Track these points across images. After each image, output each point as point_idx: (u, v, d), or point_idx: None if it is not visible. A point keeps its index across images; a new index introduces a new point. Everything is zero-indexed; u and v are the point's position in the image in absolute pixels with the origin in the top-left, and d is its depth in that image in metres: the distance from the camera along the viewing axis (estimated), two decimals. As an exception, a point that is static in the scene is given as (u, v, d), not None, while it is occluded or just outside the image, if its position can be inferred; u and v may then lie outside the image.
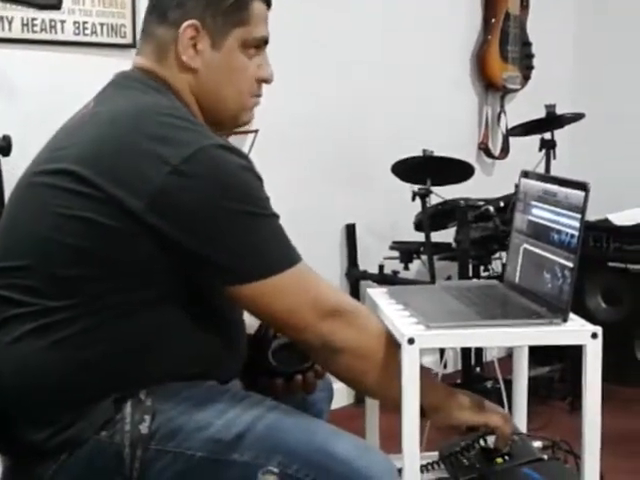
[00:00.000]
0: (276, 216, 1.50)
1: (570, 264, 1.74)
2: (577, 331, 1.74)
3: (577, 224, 1.74)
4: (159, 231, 1.39)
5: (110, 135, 1.44)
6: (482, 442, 1.89)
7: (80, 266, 1.41)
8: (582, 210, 1.73)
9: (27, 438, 1.45)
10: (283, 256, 1.48)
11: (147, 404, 1.44)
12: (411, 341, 1.68)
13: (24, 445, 1.46)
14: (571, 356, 3.17)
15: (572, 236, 1.75)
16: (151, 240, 1.40)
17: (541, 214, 1.90)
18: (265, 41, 1.62)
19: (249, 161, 1.49)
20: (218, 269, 1.43)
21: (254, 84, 1.61)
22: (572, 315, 1.79)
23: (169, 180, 1.38)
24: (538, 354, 3.46)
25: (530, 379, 2.30)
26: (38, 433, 1.44)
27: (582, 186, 1.74)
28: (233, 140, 2.74)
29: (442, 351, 3.43)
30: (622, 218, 3.68)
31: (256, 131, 2.81)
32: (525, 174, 2.02)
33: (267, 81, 1.64)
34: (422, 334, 1.70)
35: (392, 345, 1.59)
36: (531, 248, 1.92)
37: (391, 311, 1.90)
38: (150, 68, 1.56)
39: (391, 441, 1.97)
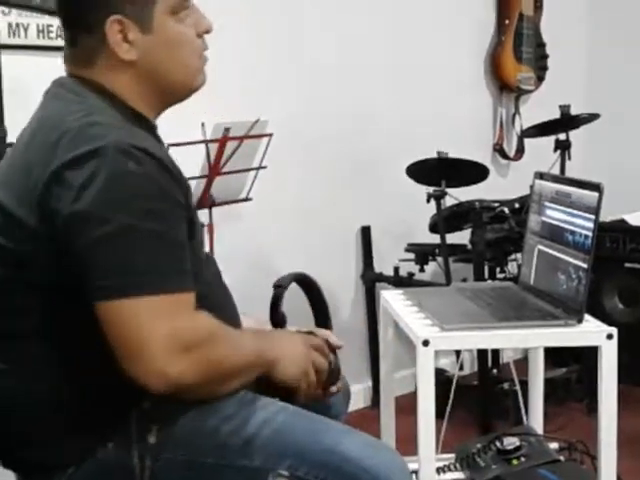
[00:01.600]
0: (158, 232, 1.35)
1: (585, 265, 1.74)
2: (592, 332, 1.74)
3: (591, 225, 1.74)
4: (48, 239, 1.36)
5: (20, 157, 1.44)
6: (498, 443, 1.89)
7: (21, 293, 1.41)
8: (596, 211, 1.73)
9: (33, 455, 1.45)
10: (146, 278, 1.33)
11: (152, 413, 1.42)
12: (426, 343, 1.69)
13: (30, 462, 1.46)
14: (588, 357, 3.16)
15: (586, 237, 1.75)
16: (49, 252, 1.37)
17: (555, 215, 1.91)
18: None
19: (154, 164, 1.37)
20: (85, 280, 1.34)
21: (197, 43, 1.54)
22: (587, 316, 1.79)
23: (48, 186, 1.35)
24: (555, 355, 3.45)
25: (547, 381, 2.30)
26: (43, 450, 1.44)
27: (596, 187, 1.75)
28: (247, 145, 2.78)
29: (458, 353, 3.43)
30: (638, 218, 3.66)
31: (270, 135, 2.82)
32: (539, 175, 2.03)
33: (207, 32, 1.56)
34: (437, 336, 1.71)
35: (242, 351, 1.46)
36: (546, 249, 1.92)
37: (406, 313, 1.91)
38: (80, 74, 1.50)
39: (407, 443, 1.97)
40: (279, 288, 1.82)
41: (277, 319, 1.76)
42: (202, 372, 1.36)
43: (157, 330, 1.32)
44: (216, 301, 1.54)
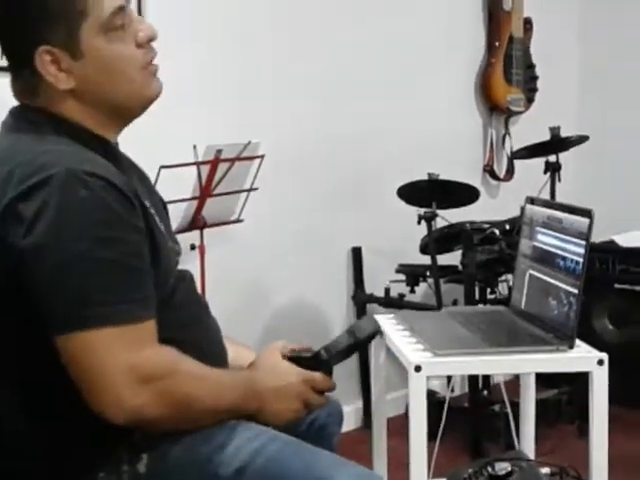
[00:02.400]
0: (113, 260, 1.33)
1: (576, 290, 1.75)
2: (583, 358, 1.75)
3: (582, 250, 1.75)
4: (7, 273, 1.34)
5: None
6: (490, 469, 1.89)
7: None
8: (587, 237, 1.74)
9: None
10: (101, 310, 1.31)
11: (143, 442, 1.41)
12: (418, 369, 1.69)
13: None
14: (579, 379, 3.16)
15: (577, 262, 1.76)
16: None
17: (547, 240, 1.92)
18: (121, 8, 1.44)
19: (107, 189, 1.34)
20: (42, 314, 1.33)
21: (138, 56, 1.47)
22: (578, 341, 1.80)
23: (2, 221, 1.34)
24: (546, 377, 3.45)
25: (538, 402, 2.30)
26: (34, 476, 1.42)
27: (587, 213, 1.76)
28: (239, 166, 2.78)
29: (449, 375, 3.42)
30: (628, 239, 3.68)
31: (262, 157, 2.83)
32: (531, 200, 2.04)
33: (151, 39, 1.49)
34: (429, 361, 1.72)
35: (212, 385, 1.44)
36: (537, 274, 1.93)
37: (398, 337, 1.91)
38: (28, 104, 1.47)
39: (399, 466, 1.97)
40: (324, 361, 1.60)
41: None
42: (165, 406, 1.36)
43: (114, 362, 1.32)
44: (191, 325, 1.52)
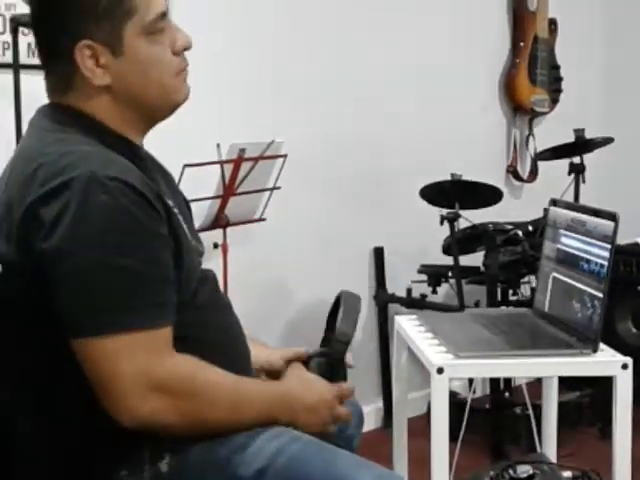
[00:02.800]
0: (130, 267, 1.34)
1: (600, 294, 1.74)
2: (607, 362, 1.74)
3: (607, 254, 1.74)
4: (30, 275, 1.36)
5: (2, 191, 1.43)
6: (512, 471, 1.88)
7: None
8: (612, 240, 1.73)
9: None
10: (116, 316, 1.33)
11: (165, 442, 1.41)
12: (440, 370, 1.69)
13: None
14: (601, 382, 3.14)
15: (602, 266, 1.75)
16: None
17: (570, 243, 1.90)
18: (163, 14, 1.48)
19: (129, 194, 1.35)
20: (61, 316, 1.34)
21: (174, 62, 1.50)
22: (602, 345, 1.78)
23: (24, 222, 1.35)
24: (567, 379, 3.42)
25: (559, 404, 2.29)
26: (52, 475, 1.44)
27: (612, 216, 1.75)
28: (262, 165, 2.79)
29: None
30: (652, 242, 3.65)
31: (285, 156, 2.83)
32: (554, 202, 2.03)
33: (187, 49, 1.53)
34: (451, 363, 1.71)
35: (230, 394, 1.44)
36: (560, 277, 1.92)
37: (420, 339, 1.91)
38: (59, 102, 1.49)
39: (419, 466, 1.97)
40: (344, 344, 1.66)
41: (335, 377, 1.64)
42: (179, 414, 1.37)
43: (127, 369, 1.33)
44: (213, 325, 1.53)
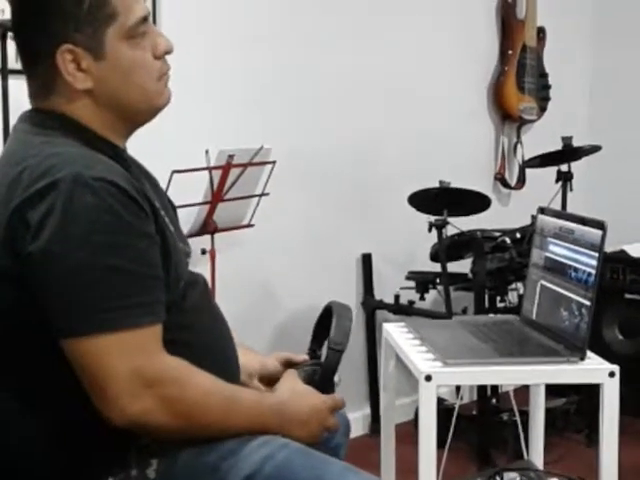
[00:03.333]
0: (118, 267, 1.34)
1: (587, 302, 1.75)
2: (594, 370, 1.75)
3: (594, 262, 1.75)
4: (16, 278, 1.36)
5: None
6: (498, 479, 1.89)
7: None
8: (600, 249, 1.74)
9: None
10: (105, 316, 1.33)
11: (152, 447, 1.41)
12: (428, 378, 1.69)
13: None
14: (587, 388, 3.16)
15: (589, 274, 1.76)
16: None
17: (558, 251, 1.91)
18: (144, 19, 1.48)
19: (115, 194, 1.35)
20: (49, 319, 1.34)
21: (155, 66, 1.51)
22: (589, 353, 1.79)
23: (10, 225, 1.35)
24: (555, 386, 3.44)
25: (546, 411, 2.30)
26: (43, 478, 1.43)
27: (599, 225, 1.75)
28: (250, 172, 2.79)
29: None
30: (639, 250, 3.67)
31: (273, 162, 2.83)
32: (542, 210, 2.03)
33: (168, 52, 1.53)
34: (439, 371, 1.72)
35: (223, 400, 1.44)
36: (548, 284, 1.93)
37: (408, 346, 1.91)
38: (41, 107, 1.49)
39: (407, 473, 1.97)
40: (337, 353, 1.65)
41: (325, 385, 1.64)
42: (169, 414, 1.36)
43: (116, 368, 1.33)
44: (202, 329, 1.53)
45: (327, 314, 1.72)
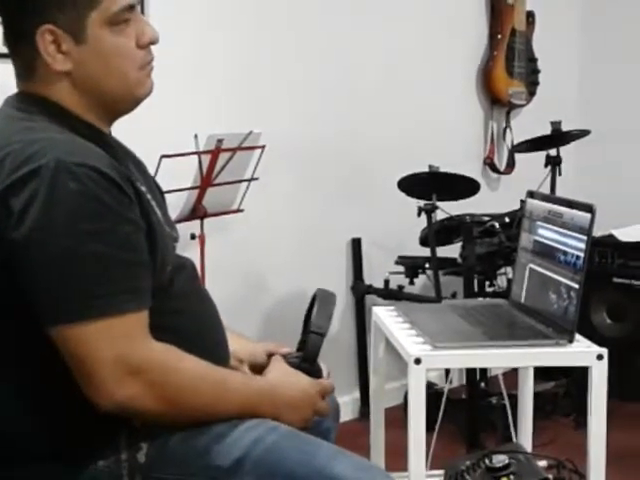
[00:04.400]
0: (102, 253, 1.33)
1: (576, 285, 1.76)
2: (583, 352, 1.75)
3: (583, 245, 1.75)
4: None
5: None
6: (487, 461, 1.90)
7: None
8: (588, 232, 1.74)
9: (20, 474, 1.44)
10: (90, 303, 1.33)
11: (142, 431, 1.42)
12: (418, 361, 1.70)
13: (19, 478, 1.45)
14: (576, 372, 3.18)
15: (578, 257, 1.77)
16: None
17: (547, 234, 1.92)
18: (130, 7, 1.47)
19: (98, 180, 1.34)
20: (34, 306, 1.34)
21: (138, 55, 1.49)
22: (578, 336, 1.80)
23: None
24: (543, 369, 3.46)
25: (535, 395, 2.31)
26: (31, 469, 1.43)
27: (588, 208, 1.76)
28: (240, 156, 2.78)
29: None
30: (627, 234, 3.69)
31: (263, 147, 2.83)
32: (531, 194, 2.04)
33: (152, 43, 1.51)
34: (429, 354, 1.72)
35: (213, 384, 1.45)
36: (537, 268, 1.93)
37: (397, 330, 1.92)
38: (23, 89, 1.49)
39: (396, 456, 1.98)
40: (319, 336, 1.66)
41: (312, 370, 1.65)
42: (156, 399, 1.37)
43: (102, 354, 1.33)
44: (190, 314, 1.53)
45: (314, 304, 1.73)
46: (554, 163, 3.55)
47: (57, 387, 1.40)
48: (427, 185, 3.24)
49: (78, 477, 1.42)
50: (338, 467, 1.40)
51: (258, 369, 1.70)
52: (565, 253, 1.81)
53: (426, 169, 3.24)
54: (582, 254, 1.74)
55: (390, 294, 3.43)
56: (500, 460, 1.89)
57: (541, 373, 3.39)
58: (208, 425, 1.43)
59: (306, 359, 1.64)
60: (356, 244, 3.62)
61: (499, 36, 4.07)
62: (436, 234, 3.23)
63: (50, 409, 1.42)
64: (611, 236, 3.67)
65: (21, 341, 1.41)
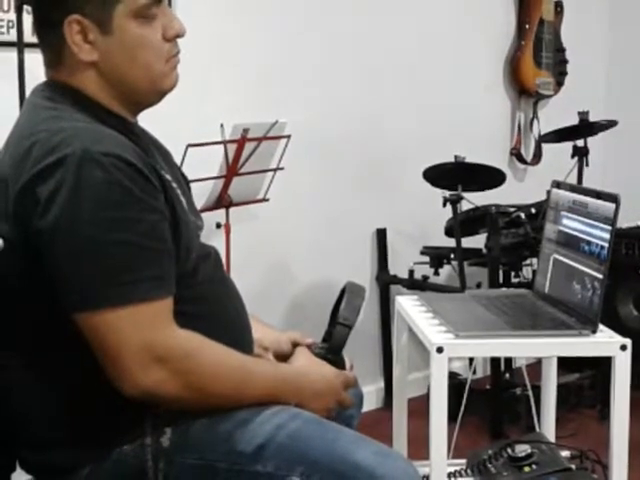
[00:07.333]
0: (128, 241, 1.35)
1: (600, 275, 1.75)
2: (606, 343, 1.75)
3: (607, 236, 1.75)
4: (25, 253, 1.38)
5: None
6: (510, 450, 1.90)
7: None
8: (613, 222, 1.73)
9: (47, 457, 1.46)
10: (120, 290, 1.35)
11: (167, 416, 1.43)
12: (440, 350, 1.70)
13: (45, 464, 1.48)
14: (602, 364, 3.16)
15: (602, 247, 1.76)
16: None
17: (572, 224, 1.91)
18: (158, 0, 1.48)
19: (123, 169, 1.36)
20: (60, 293, 1.36)
21: (164, 48, 1.50)
22: (601, 326, 1.79)
23: (19, 201, 1.36)
24: (568, 360, 3.44)
25: (559, 386, 2.31)
26: (57, 453, 1.45)
27: (613, 198, 1.75)
28: (265, 146, 2.79)
29: (471, 357, 3.43)
30: (655, 225, 3.66)
31: (288, 137, 2.83)
32: (556, 184, 2.03)
33: (178, 36, 1.52)
34: (451, 343, 1.72)
35: (237, 371, 1.46)
36: (561, 258, 1.93)
37: (420, 319, 1.92)
38: (51, 78, 1.51)
39: (419, 446, 1.98)
40: (346, 328, 1.68)
41: (337, 361, 1.66)
42: (181, 386, 1.39)
43: (128, 341, 1.35)
44: (214, 301, 1.54)
45: (342, 295, 1.74)
46: (581, 154, 3.53)
47: (82, 373, 1.42)
48: (453, 175, 3.23)
49: (103, 461, 1.44)
50: (359, 453, 1.41)
51: (283, 357, 1.72)
52: (589, 243, 1.80)
53: (452, 159, 3.24)
54: (606, 244, 1.74)
55: (414, 284, 3.44)
56: (522, 450, 1.89)
57: (566, 365, 3.38)
58: (231, 411, 1.44)
59: (332, 350, 1.66)
60: (381, 234, 3.62)
61: (527, 26, 4.04)
62: (461, 224, 3.23)
63: (75, 394, 1.44)
64: (638, 227, 3.64)
65: (46, 327, 1.43)
